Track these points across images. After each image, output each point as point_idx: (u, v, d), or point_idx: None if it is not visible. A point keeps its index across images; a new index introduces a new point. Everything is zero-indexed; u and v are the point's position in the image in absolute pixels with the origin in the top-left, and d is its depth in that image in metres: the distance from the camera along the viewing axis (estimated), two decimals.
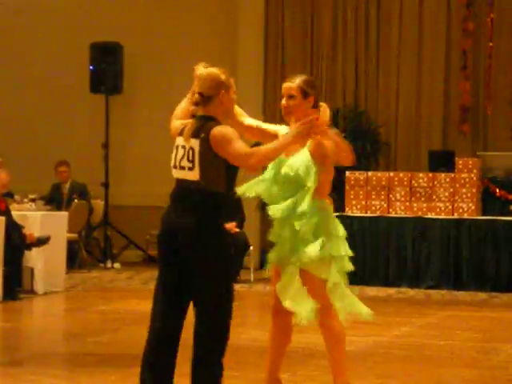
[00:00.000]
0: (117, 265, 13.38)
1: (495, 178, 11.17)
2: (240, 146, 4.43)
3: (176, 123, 4.73)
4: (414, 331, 8.02)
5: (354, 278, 12.40)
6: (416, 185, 11.23)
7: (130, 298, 10.14)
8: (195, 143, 4.51)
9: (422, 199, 11.11)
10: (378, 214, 11.31)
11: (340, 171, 11.72)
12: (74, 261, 12.80)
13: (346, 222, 11.36)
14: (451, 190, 11.07)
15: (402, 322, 8.46)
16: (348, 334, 7.86)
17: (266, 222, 12.77)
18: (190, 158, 4.53)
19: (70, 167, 13.31)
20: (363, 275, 11.11)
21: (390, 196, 11.28)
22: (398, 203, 11.26)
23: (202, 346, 4.57)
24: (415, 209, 11.20)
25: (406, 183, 11.24)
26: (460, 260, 10.91)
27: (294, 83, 4.98)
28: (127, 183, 14.30)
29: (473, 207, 10.98)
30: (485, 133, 12.86)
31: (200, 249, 4.46)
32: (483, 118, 12.91)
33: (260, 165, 4.59)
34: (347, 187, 11.44)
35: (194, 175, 4.53)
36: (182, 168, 4.57)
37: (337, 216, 13.02)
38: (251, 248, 11.68)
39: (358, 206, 11.37)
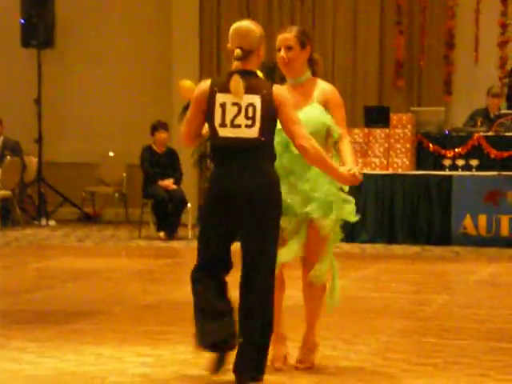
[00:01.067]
0: (52, 222, 13.25)
1: (429, 133, 11.29)
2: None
3: (200, 85, 4.61)
4: (350, 284, 8.11)
5: None
6: (352, 141, 11.28)
7: (65, 256, 10.06)
8: (256, 99, 4.48)
9: (358, 155, 11.18)
10: None
11: None
12: (7, 219, 12.64)
13: None
14: (386, 145, 11.16)
15: (340, 276, 8.54)
16: (286, 287, 7.92)
17: (203, 179, 12.75)
18: (250, 115, 4.48)
19: (1, 124, 13.08)
20: None
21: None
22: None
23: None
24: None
25: None
26: (394, 215, 11.05)
27: (291, 34, 4.96)
28: (62, 140, 14.12)
29: (407, 162, 11.10)
30: (419, 88, 12.99)
31: (268, 205, 4.51)
32: (417, 74, 13.04)
33: (304, 153, 4.53)
34: None
35: (252, 132, 4.49)
36: (237, 126, 4.49)
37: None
38: (189, 205, 11.66)
39: None
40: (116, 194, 13.85)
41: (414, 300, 7.35)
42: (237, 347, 4.56)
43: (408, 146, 11.12)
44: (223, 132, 4.52)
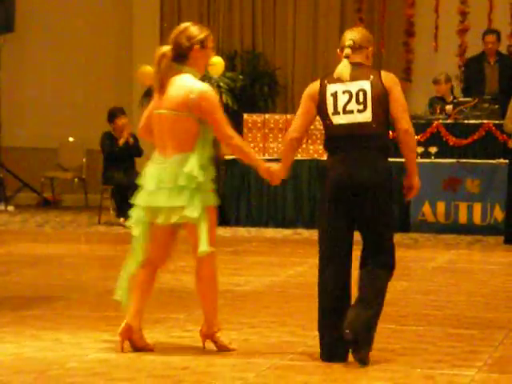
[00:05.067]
0: (10, 207, 13.13)
1: None
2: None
3: (308, 90, 4.82)
4: (309, 271, 8.13)
5: (251, 220, 12.44)
6: (312, 127, 11.26)
7: (23, 241, 9.99)
8: (365, 84, 4.68)
9: (318, 141, 11.21)
10: (275, 156, 11.36)
11: (237, 115, 11.78)
12: None
13: (243, 164, 11.40)
14: None
15: (298, 262, 8.58)
16: (244, 274, 7.95)
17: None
18: (361, 100, 4.66)
19: None
20: (260, 217, 11.21)
21: None
22: None
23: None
24: (311, 151, 11.30)
25: None
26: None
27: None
28: (21, 125, 13.97)
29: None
30: None
31: (383, 190, 4.75)
32: (377, 60, 13.09)
33: (404, 136, 4.73)
34: (245, 130, 11.44)
35: (365, 117, 4.67)
36: (349, 112, 4.66)
37: (233, 159, 13.00)
38: None
39: (256, 149, 11.39)
40: (75, 180, 13.75)
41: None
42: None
43: None
44: (336, 119, 4.70)
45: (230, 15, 13.48)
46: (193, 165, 4.86)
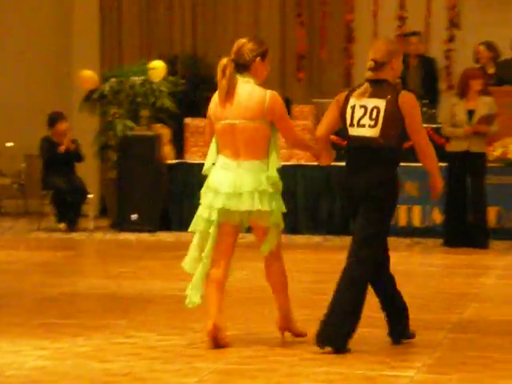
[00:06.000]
0: None
1: None
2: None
3: (338, 96, 5.29)
4: (253, 275, 8.16)
5: (184, 224, 12.40)
6: None
7: None
8: (380, 103, 5.09)
9: None
10: None
11: (179, 119, 11.76)
12: None
13: (187, 169, 11.40)
14: None
15: (241, 266, 8.58)
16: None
17: (104, 171, 12.62)
18: (374, 116, 5.09)
19: None
20: None
21: None
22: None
23: None
24: None
25: None
26: (297, 205, 11.15)
27: None
28: None
29: (309, 153, 11.19)
30: (319, 80, 13.15)
31: (377, 197, 5.14)
32: (318, 66, 13.20)
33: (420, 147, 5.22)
34: (187, 134, 11.42)
35: (374, 132, 5.09)
36: (362, 126, 5.10)
37: (176, 163, 12.97)
38: (90, 196, 11.52)
39: (199, 154, 11.39)
40: (14, 185, 13.57)
41: (316, 289, 7.45)
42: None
43: (310, 136, 11.23)
44: (351, 131, 5.17)
45: (171, 20, 13.45)
46: (273, 170, 5.19)
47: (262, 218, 5.24)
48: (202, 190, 5.31)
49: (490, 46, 11.31)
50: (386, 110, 5.09)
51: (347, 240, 10.49)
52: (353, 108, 5.16)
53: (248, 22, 13.23)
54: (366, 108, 5.12)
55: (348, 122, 5.17)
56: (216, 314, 5.22)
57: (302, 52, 13.10)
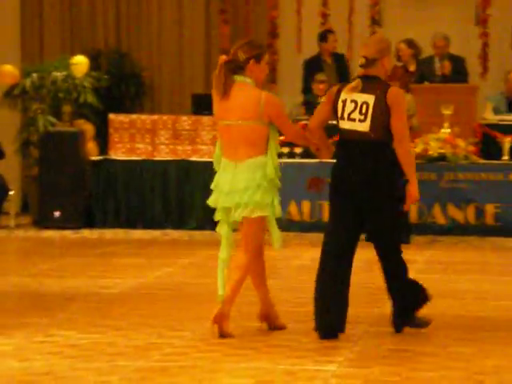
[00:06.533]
0: None
1: None
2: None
3: (330, 90, 5.51)
4: (176, 271, 8.15)
5: (119, 221, 12.25)
6: (180, 128, 11.32)
7: None
8: (370, 98, 5.28)
9: (186, 142, 11.21)
10: (143, 157, 11.31)
11: (102, 115, 11.65)
12: None
13: (111, 165, 11.32)
14: (214, 132, 11.25)
15: (166, 263, 8.57)
16: (111, 276, 7.87)
17: (26, 167, 12.44)
18: (363, 111, 5.28)
19: None
20: (128, 217, 11.11)
21: (155, 139, 11.29)
22: (162, 146, 11.31)
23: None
24: (179, 152, 11.30)
25: (170, 126, 11.30)
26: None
27: None
28: None
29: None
30: None
31: (375, 190, 5.34)
32: None
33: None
34: (111, 130, 11.34)
35: (364, 126, 5.29)
36: (352, 120, 5.32)
37: (100, 160, 12.78)
38: (11, 192, 11.34)
39: (123, 150, 11.31)
40: None
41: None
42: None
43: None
44: (342, 124, 5.39)
45: (94, 15, 13.32)
46: (271, 168, 5.38)
47: (255, 210, 5.39)
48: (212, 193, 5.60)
49: (411, 44, 11.47)
50: (374, 106, 5.29)
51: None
52: (344, 102, 5.36)
53: (172, 18, 13.20)
54: (356, 103, 5.32)
55: (339, 115, 5.39)
56: (226, 301, 5.44)
57: (227, 48, 13.12)
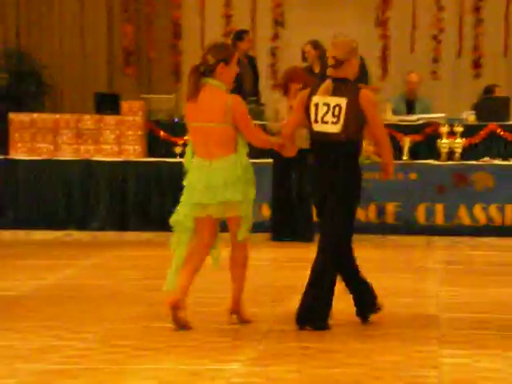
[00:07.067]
0: None
1: (159, 120, 11.40)
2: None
3: (301, 94, 5.78)
4: (79, 273, 8.05)
5: (19, 222, 11.98)
6: (83, 127, 11.18)
7: None
8: (342, 101, 5.55)
9: (89, 142, 11.09)
10: (44, 157, 11.13)
11: (2, 114, 11.40)
12: None
13: (12, 165, 11.10)
14: (117, 132, 11.15)
15: (67, 265, 8.46)
16: (10, 278, 7.72)
17: None
18: (336, 114, 5.55)
19: None
20: (29, 218, 10.91)
21: (57, 138, 11.13)
22: (65, 146, 11.15)
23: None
24: (82, 151, 11.16)
25: (72, 126, 11.15)
26: (127, 201, 11.07)
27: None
28: None
29: (139, 149, 11.15)
30: (148, 76, 13.14)
31: (341, 188, 5.64)
32: (147, 62, 13.17)
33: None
34: (11, 129, 11.11)
35: (336, 128, 5.58)
36: (325, 122, 5.59)
37: (0, 159, 12.44)
38: None
39: (24, 149, 11.11)
40: None
41: (144, 286, 7.42)
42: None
43: (140, 133, 11.17)
44: (315, 127, 5.65)
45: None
46: (237, 165, 5.64)
47: (234, 207, 5.65)
48: (184, 190, 5.77)
49: (316, 45, 11.59)
50: (347, 108, 5.56)
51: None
52: (316, 106, 5.61)
53: (74, 17, 13.03)
54: (328, 106, 5.58)
55: (312, 118, 5.63)
56: (179, 290, 5.70)
57: (130, 48, 13.05)
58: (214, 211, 5.67)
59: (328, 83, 5.61)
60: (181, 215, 5.72)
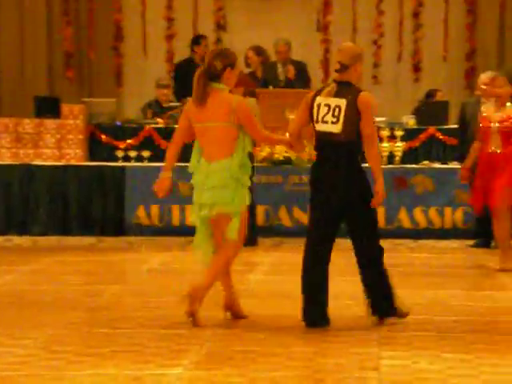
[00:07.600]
0: None
1: (101, 124, 11.32)
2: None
3: (307, 95, 6.06)
4: (19, 278, 7.96)
5: None
6: (22, 131, 11.06)
7: None
8: (342, 102, 5.83)
9: (29, 146, 10.98)
10: None
11: None
12: None
13: None
14: (58, 136, 11.06)
15: (7, 271, 8.36)
16: None
17: None
18: (336, 114, 5.82)
19: None
20: None
21: None
22: (4, 150, 11.03)
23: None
24: (22, 155, 11.04)
25: (11, 130, 11.03)
26: (68, 206, 10.97)
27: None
28: None
29: (80, 153, 11.07)
30: (90, 79, 13.04)
31: (346, 186, 5.84)
32: (88, 65, 13.08)
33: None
34: None
35: (336, 128, 5.84)
36: (325, 122, 5.86)
37: None
38: None
39: None
40: None
41: (86, 291, 7.36)
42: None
43: (81, 136, 11.09)
44: (317, 126, 5.92)
45: None
46: (235, 165, 5.91)
47: (224, 208, 5.91)
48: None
49: (259, 51, 11.63)
50: (346, 109, 5.82)
51: (121, 240, 10.54)
52: (318, 106, 5.89)
53: (12, 19, 12.89)
54: (329, 106, 5.86)
55: (315, 118, 5.91)
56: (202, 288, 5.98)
57: (70, 50, 12.95)
58: (208, 210, 5.95)
59: (332, 85, 5.92)
60: (193, 215, 6.14)
